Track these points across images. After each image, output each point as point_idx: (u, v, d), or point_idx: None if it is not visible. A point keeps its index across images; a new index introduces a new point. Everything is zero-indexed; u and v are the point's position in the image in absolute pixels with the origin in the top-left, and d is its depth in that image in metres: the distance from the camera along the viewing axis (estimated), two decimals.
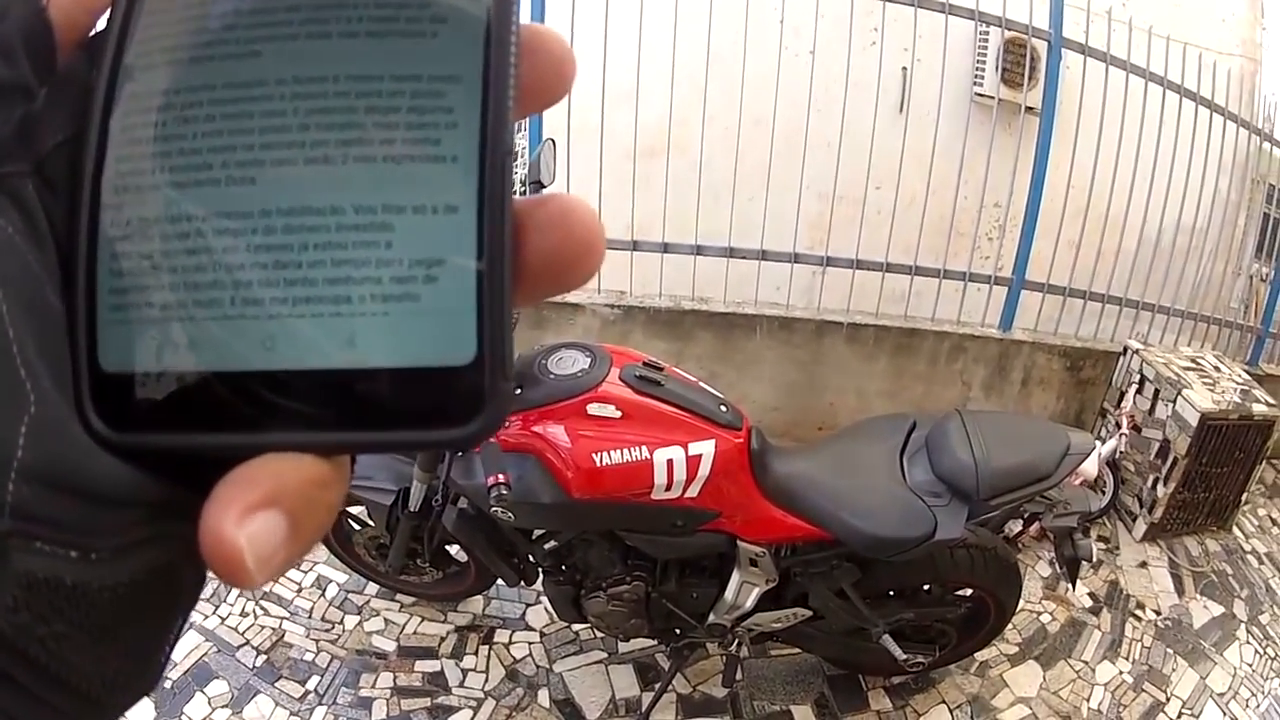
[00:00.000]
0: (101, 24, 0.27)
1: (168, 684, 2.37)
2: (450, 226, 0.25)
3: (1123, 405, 3.55)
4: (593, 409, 1.89)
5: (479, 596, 2.75)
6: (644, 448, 1.90)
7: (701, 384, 2.08)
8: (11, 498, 0.21)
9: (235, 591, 2.69)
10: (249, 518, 0.24)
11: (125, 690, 0.26)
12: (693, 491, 1.96)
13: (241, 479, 0.24)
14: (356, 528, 2.50)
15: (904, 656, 2.39)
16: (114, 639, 0.24)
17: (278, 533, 0.24)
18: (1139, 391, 3.51)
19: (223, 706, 2.37)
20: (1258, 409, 3.32)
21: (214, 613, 2.62)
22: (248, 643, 2.56)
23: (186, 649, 2.49)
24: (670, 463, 1.91)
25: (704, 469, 1.93)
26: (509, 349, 0.25)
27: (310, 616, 2.67)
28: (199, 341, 0.25)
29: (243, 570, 0.24)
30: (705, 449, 1.93)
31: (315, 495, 0.25)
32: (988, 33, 3.94)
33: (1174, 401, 3.32)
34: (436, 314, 0.25)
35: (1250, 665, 2.97)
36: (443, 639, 2.66)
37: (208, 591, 2.66)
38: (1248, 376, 3.61)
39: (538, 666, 2.61)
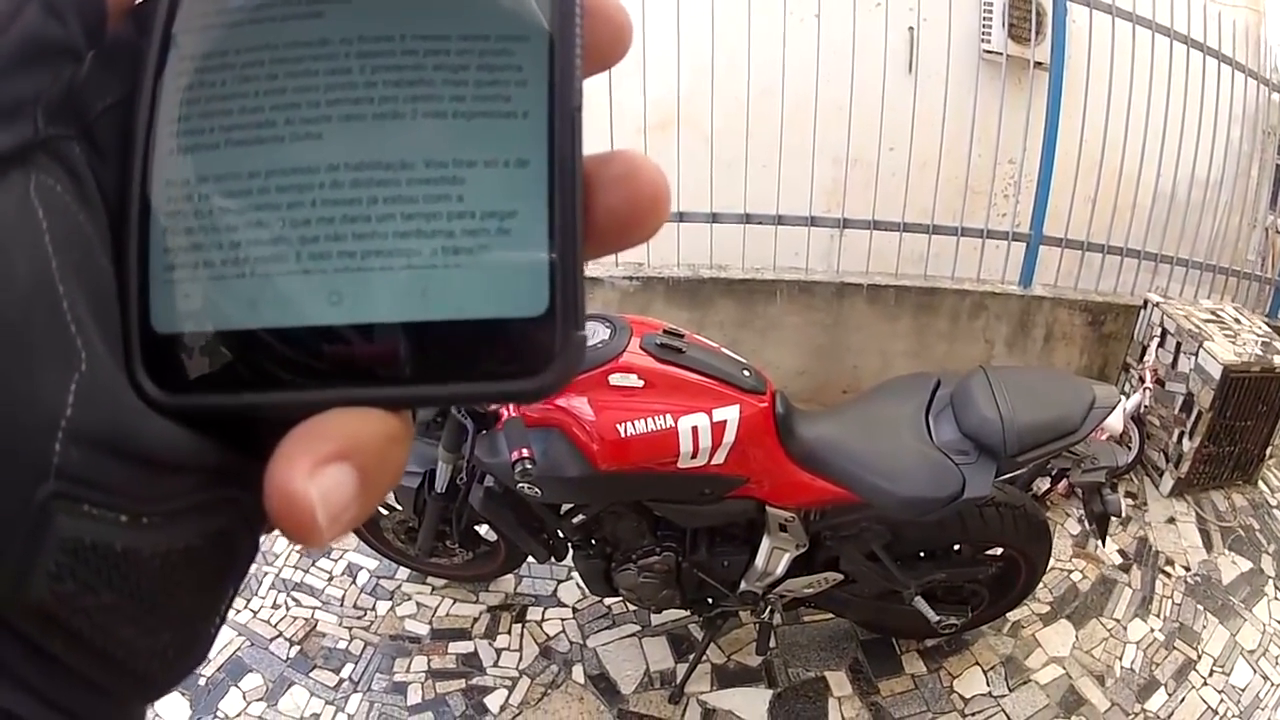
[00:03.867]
0: None
1: (202, 681, 2.38)
2: (521, 180, 0.25)
3: (1145, 359, 3.53)
4: (615, 379, 1.88)
5: (510, 575, 2.76)
6: (668, 416, 1.89)
7: (723, 349, 2.07)
8: (58, 459, 0.21)
9: (266, 584, 2.71)
10: (320, 471, 0.23)
11: (172, 665, 0.25)
12: (719, 458, 1.95)
13: (311, 433, 0.24)
14: (384, 512, 2.50)
15: (937, 618, 2.39)
16: (163, 610, 0.24)
17: (349, 487, 0.24)
18: (1160, 345, 3.48)
19: (258, 700, 2.39)
20: (1279, 361, 3.29)
21: (245, 606, 2.63)
22: (280, 634, 2.57)
23: (219, 644, 2.43)
24: (695, 430, 1.90)
25: (729, 435, 1.93)
26: (581, 301, 0.25)
27: (342, 604, 2.69)
28: (262, 298, 0.25)
29: (312, 526, 0.23)
30: (730, 415, 1.92)
31: (385, 451, 0.25)
32: None
33: (1196, 354, 3.30)
34: (508, 266, 0.25)
35: (1279, 621, 2.96)
36: (475, 620, 2.68)
37: None
38: (1268, 328, 3.57)
39: (571, 643, 2.62)
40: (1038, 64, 3.62)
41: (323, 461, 0.23)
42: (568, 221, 0.25)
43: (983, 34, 4.08)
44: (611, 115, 3.16)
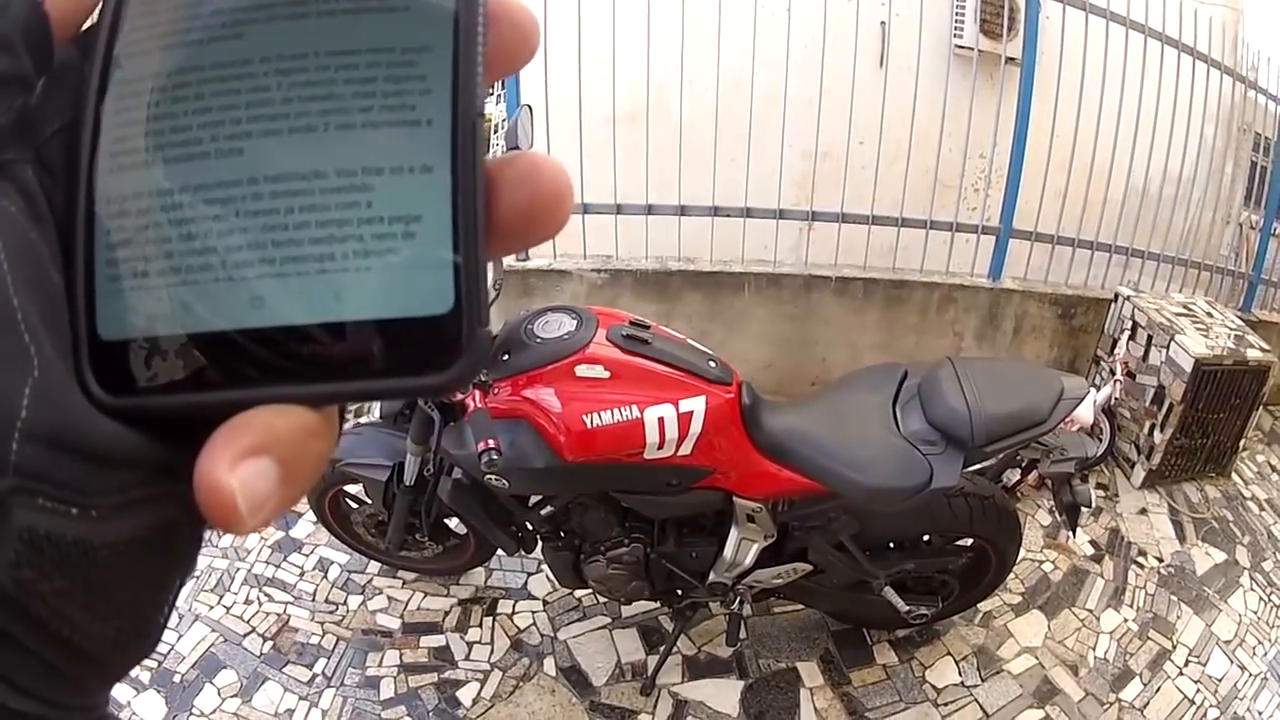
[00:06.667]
0: (94, 18, 0.28)
1: (176, 678, 2.38)
2: (426, 185, 0.27)
3: (1116, 352, 3.55)
4: (581, 370, 1.89)
5: (480, 569, 2.76)
6: (634, 407, 1.89)
7: (689, 340, 2.07)
8: (15, 456, 0.22)
9: (239, 579, 2.70)
10: (241, 464, 0.25)
11: (125, 650, 0.26)
12: (685, 449, 1.95)
13: (233, 428, 0.25)
14: (354, 506, 2.50)
15: (906, 608, 2.41)
16: (114, 596, 0.25)
17: (269, 479, 0.25)
18: (1132, 338, 3.51)
19: (232, 696, 2.38)
20: (1252, 354, 3.32)
21: (219, 602, 2.63)
22: (253, 630, 2.57)
23: (193, 641, 2.50)
24: (661, 421, 1.91)
25: (695, 426, 1.93)
26: (484, 297, 0.27)
27: (314, 599, 2.68)
28: (191, 305, 0.26)
29: (235, 514, 0.25)
30: (696, 405, 1.93)
31: (305, 444, 0.26)
32: None
33: (1167, 347, 3.32)
34: (415, 267, 0.26)
35: (1255, 613, 2.98)
36: (446, 613, 2.68)
37: (211, 581, 2.67)
38: (1240, 322, 3.60)
39: (542, 635, 2.62)
40: (1010, 59, 3.63)
41: (243, 455, 0.25)
42: (470, 223, 0.26)
43: (955, 29, 4.10)
44: (580, 106, 3.17)
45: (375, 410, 2.39)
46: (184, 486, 0.25)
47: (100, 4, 0.28)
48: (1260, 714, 2.63)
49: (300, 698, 2.40)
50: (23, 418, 0.22)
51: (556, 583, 2.45)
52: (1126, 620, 2.87)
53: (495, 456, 1.77)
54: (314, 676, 2.46)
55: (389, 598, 2.71)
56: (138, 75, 0.27)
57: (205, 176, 0.27)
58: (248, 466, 0.25)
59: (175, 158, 0.27)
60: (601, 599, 2.60)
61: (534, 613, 2.69)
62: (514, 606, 2.71)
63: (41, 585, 0.23)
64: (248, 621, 2.59)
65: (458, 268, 0.26)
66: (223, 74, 0.27)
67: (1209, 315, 3.55)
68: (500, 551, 2.46)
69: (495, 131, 4.18)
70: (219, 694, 2.38)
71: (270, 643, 2.54)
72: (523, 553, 2.35)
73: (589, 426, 1.88)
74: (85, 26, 0.28)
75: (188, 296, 0.26)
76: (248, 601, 2.65)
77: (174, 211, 0.27)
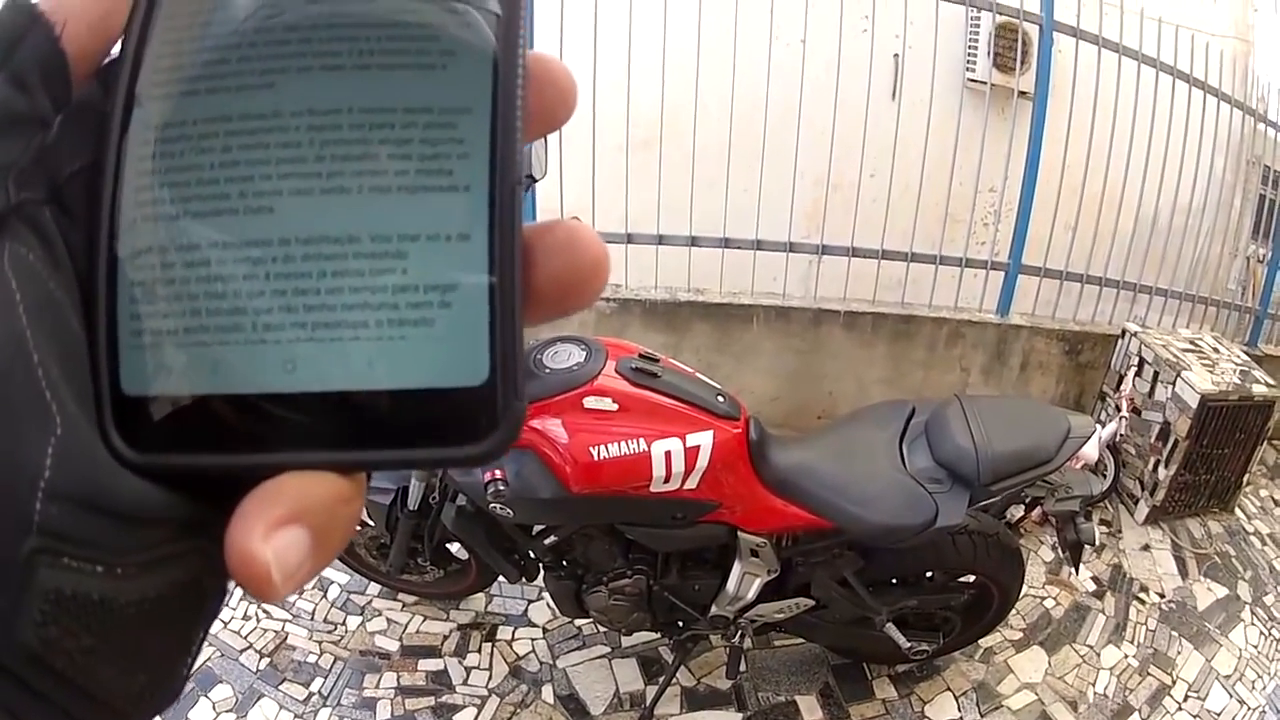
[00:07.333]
0: (115, 53, 0.27)
1: None
2: (463, 253, 0.26)
3: (1122, 388, 3.55)
4: (589, 402, 1.88)
5: (481, 594, 2.75)
6: (641, 440, 1.89)
7: (698, 374, 2.07)
8: (39, 516, 0.22)
9: (237, 595, 2.69)
10: (275, 533, 0.25)
11: (149, 702, 0.26)
12: (692, 483, 1.95)
13: (266, 496, 0.25)
14: (356, 528, 2.49)
15: (908, 644, 2.40)
16: (139, 652, 0.25)
17: (302, 547, 0.25)
18: (1138, 374, 3.51)
19: (227, 711, 2.37)
20: (1257, 390, 3.32)
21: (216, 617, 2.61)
22: (251, 646, 2.56)
23: None
24: (668, 454, 1.90)
25: (702, 460, 1.92)
26: (520, 369, 0.26)
27: (313, 618, 2.67)
28: (219, 365, 0.26)
29: (269, 584, 0.24)
30: (703, 440, 1.92)
31: (336, 511, 0.26)
32: (979, 17, 3.94)
33: (1173, 383, 3.32)
34: (451, 337, 0.26)
35: (1255, 647, 2.97)
36: (445, 637, 2.66)
37: None
38: (1246, 357, 3.61)
39: (541, 663, 2.61)
40: (1022, 93, 3.65)
41: (277, 524, 0.25)
42: (507, 294, 0.26)
43: (968, 63, 4.12)
44: (594, 133, 3.17)
45: None
46: (210, 542, 0.25)
47: (121, 40, 0.27)
48: None
49: (296, 716, 2.38)
50: (46, 477, 0.22)
51: (557, 611, 2.44)
52: (1127, 656, 2.86)
53: (502, 486, 1.78)
54: (310, 695, 2.44)
55: (388, 619, 2.69)
56: (161, 121, 0.27)
57: (235, 233, 0.26)
58: (281, 536, 0.25)
59: (202, 211, 0.26)
60: (602, 628, 2.59)
61: (533, 640, 2.67)
62: (513, 633, 2.69)
63: (67, 643, 0.23)
64: (245, 637, 2.58)
65: (494, 339, 0.26)
66: (252, 125, 0.26)
67: (1215, 350, 3.56)
68: (501, 578, 2.45)
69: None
70: (214, 708, 2.37)
71: (267, 659, 2.52)
72: (524, 581, 2.34)
73: (596, 458, 1.87)
74: (106, 62, 0.27)
75: (216, 356, 0.26)
76: (246, 617, 2.64)
77: (201, 267, 0.26)
